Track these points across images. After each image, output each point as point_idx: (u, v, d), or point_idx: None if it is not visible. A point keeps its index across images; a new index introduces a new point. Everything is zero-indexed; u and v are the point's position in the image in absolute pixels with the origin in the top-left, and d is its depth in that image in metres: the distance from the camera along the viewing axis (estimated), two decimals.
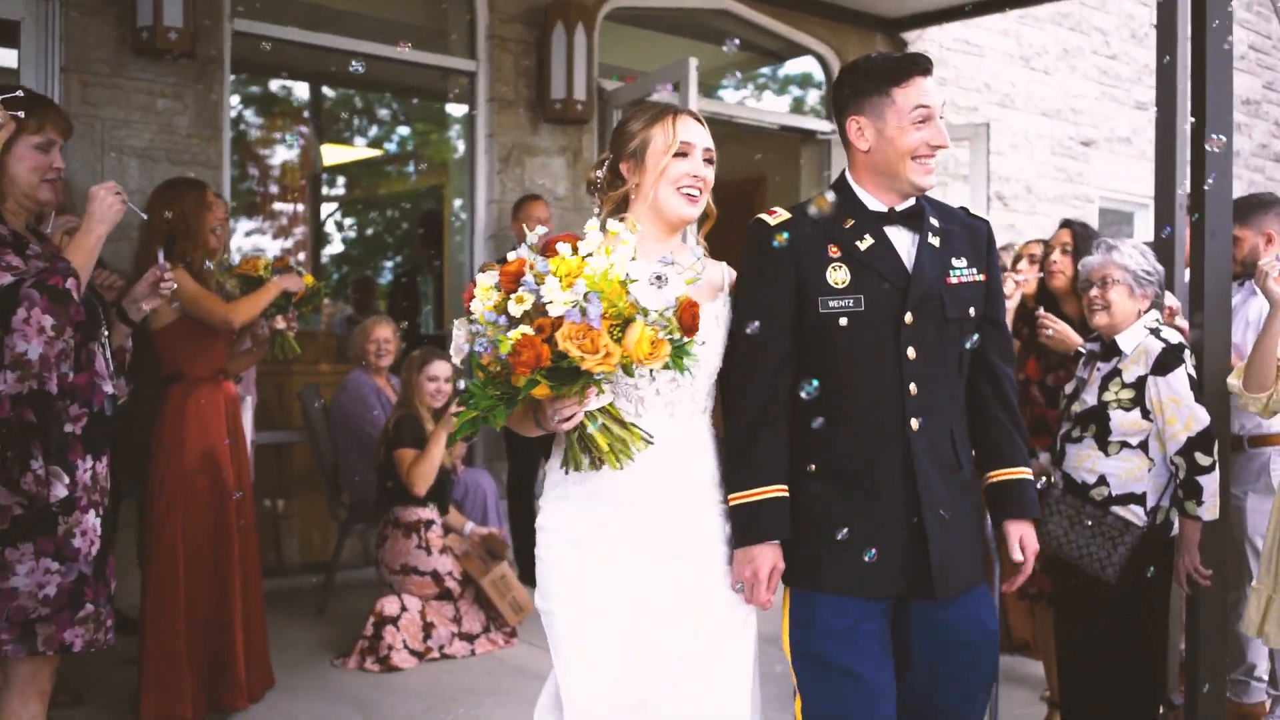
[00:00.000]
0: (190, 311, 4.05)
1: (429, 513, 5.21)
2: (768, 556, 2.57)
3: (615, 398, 2.40)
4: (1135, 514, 3.48)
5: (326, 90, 7.33)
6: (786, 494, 2.60)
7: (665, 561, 2.54)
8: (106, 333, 2.89)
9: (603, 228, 2.40)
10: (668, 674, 2.52)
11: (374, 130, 7.82)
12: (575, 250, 2.29)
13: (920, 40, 8.86)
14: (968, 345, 2.69)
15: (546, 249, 2.34)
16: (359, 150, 7.88)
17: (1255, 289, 3.91)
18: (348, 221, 7.90)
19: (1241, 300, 4.20)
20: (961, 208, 2.88)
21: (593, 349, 2.19)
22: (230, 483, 4.16)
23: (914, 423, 2.60)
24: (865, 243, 2.63)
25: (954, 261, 2.69)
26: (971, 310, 2.69)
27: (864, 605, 2.61)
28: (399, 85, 7.48)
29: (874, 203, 2.69)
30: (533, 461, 5.91)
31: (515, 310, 2.24)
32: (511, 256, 2.33)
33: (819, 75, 8.67)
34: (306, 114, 7.19)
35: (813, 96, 8.84)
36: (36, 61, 5.39)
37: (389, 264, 8.01)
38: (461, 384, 2.42)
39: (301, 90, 7.13)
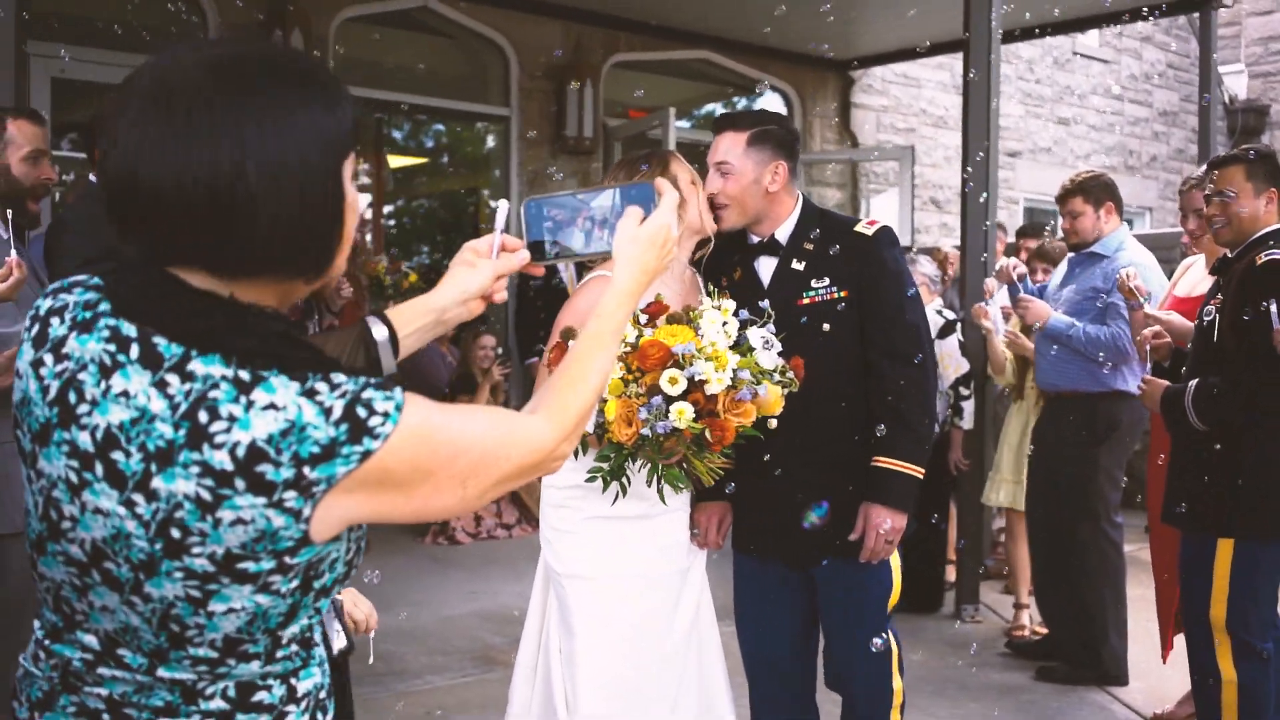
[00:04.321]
0: None
1: None
2: (715, 509, 3.13)
3: None
4: None
5: (399, 133, 9.56)
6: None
7: (663, 533, 2.95)
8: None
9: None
10: (673, 639, 2.93)
11: (432, 156, 10.02)
12: (674, 320, 2.65)
13: (865, 75, 10.97)
14: (829, 352, 2.99)
15: (651, 320, 2.68)
16: (417, 165, 10.09)
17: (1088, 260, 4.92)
18: (411, 227, 10.13)
19: (1076, 269, 5.02)
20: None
21: (744, 415, 2.58)
22: None
23: (772, 423, 2.85)
24: (738, 273, 3.13)
25: (813, 283, 3.05)
26: (825, 325, 3.02)
27: (775, 565, 3.19)
28: (454, 122, 9.71)
29: (750, 237, 3.16)
30: None
31: (672, 390, 2.52)
32: (630, 334, 2.61)
33: (783, 108, 10.80)
34: (380, 147, 9.41)
35: None
36: None
37: (437, 256, 10.19)
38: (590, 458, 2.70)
39: (379, 129, 9.35)
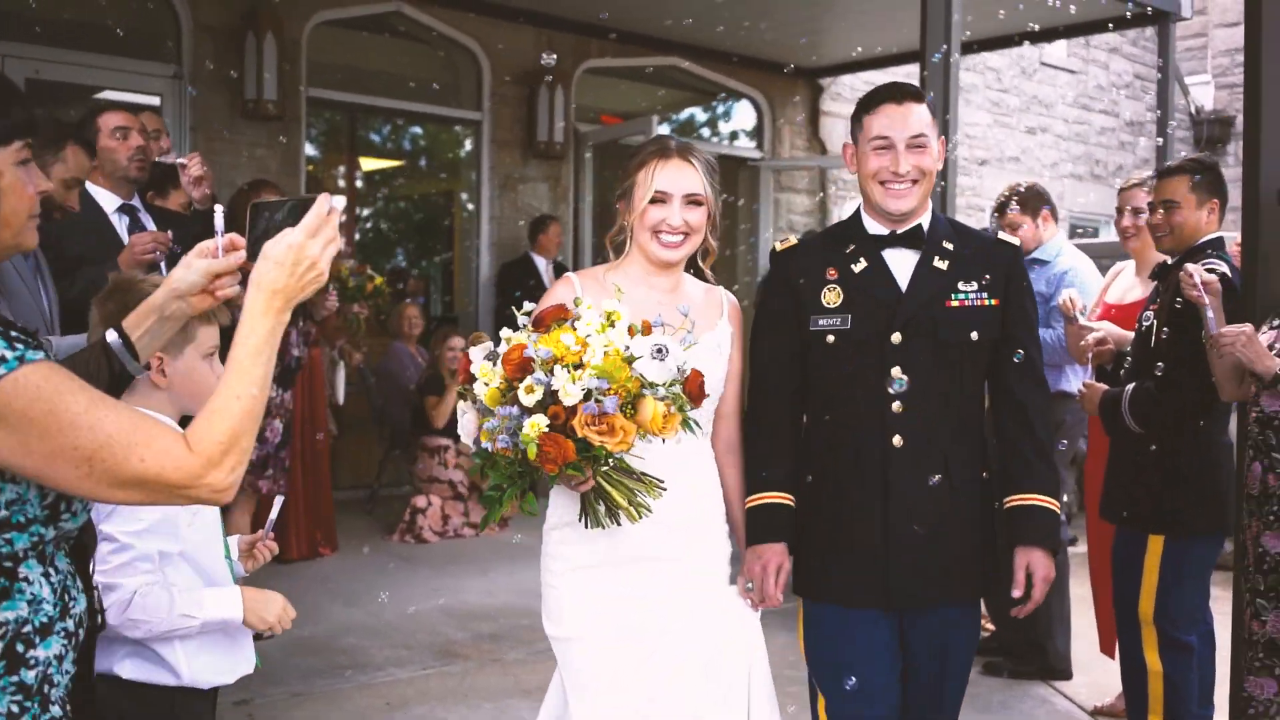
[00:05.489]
0: None
1: (446, 441, 7.54)
2: (774, 553, 2.66)
3: None
4: None
5: (373, 136, 9.66)
6: (788, 500, 2.70)
7: (677, 592, 2.60)
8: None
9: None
10: (677, 690, 2.57)
11: (405, 159, 10.11)
12: (564, 321, 2.32)
13: (835, 84, 11.13)
14: (969, 367, 2.70)
15: (538, 323, 2.36)
16: (391, 168, 10.18)
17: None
18: (384, 230, 10.21)
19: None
20: (985, 229, 2.94)
21: (610, 432, 2.21)
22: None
23: (896, 440, 2.63)
24: (860, 265, 2.71)
25: (960, 285, 2.69)
26: (974, 334, 2.68)
27: (863, 613, 2.70)
28: (426, 125, 9.80)
29: (875, 227, 2.76)
30: None
31: (527, 400, 2.22)
32: (506, 334, 2.33)
33: (751, 113, 10.94)
34: (353, 152, 9.49)
35: (747, 125, 11.10)
36: (172, 126, 7.69)
37: (411, 259, 10.27)
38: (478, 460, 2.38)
39: (353, 132, 9.43)
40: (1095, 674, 4.91)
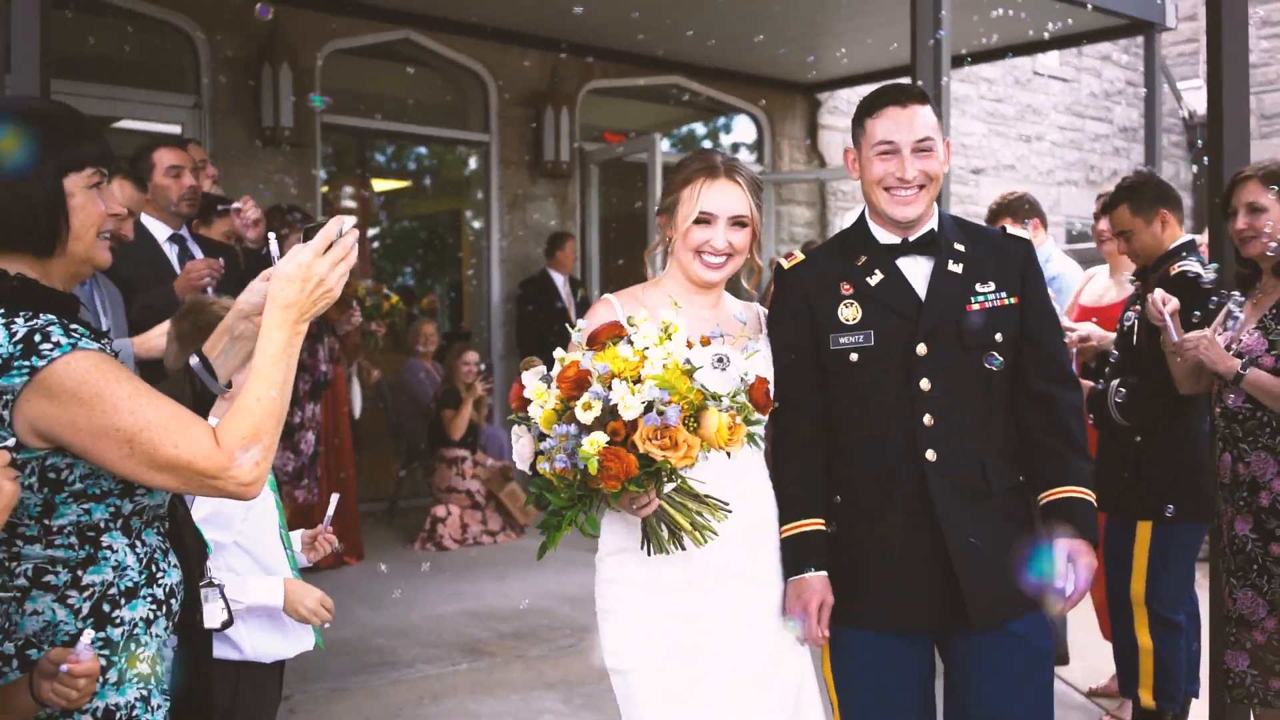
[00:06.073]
0: None
1: (463, 452, 7.79)
2: (815, 589, 2.52)
3: None
4: None
5: (385, 159, 9.96)
6: (821, 525, 2.57)
7: (734, 605, 2.49)
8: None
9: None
10: (733, 706, 2.47)
11: (416, 180, 10.40)
12: (619, 338, 2.25)
13: (832, 98, 11.39)
14: (993, 368, 2.59)
15: (593, 341, 2.28)
16: (402, 190, 10.47)
17: None
18: (396, 248, 10.50)
19: None
20: (1000, 228, 2.80)
21: (673, 446, 2.12)
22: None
23: (930, 454, 2.53)
24: (875, 278, 2.60)
25: (978, 287, 2.60)
26: (998, 336, 2.58)
27: (896, 638, 2.59)
28: (436, 148, 10.09)
29: (885, 236, 2.64)
30: None
31: (585, 418, 2.14)
32: (560, 355, 2.25)
33: (751, 128, 11.21)
34: (366, 174, 9.78)
35: (747, 140, 11.36)
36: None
37: (422, 277, 10.56)
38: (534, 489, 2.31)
39: (365, 156, 9.72)
40: (1091, 659, 5.14)
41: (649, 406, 2.13)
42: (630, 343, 2.22)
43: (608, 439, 2.13)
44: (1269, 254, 3.42)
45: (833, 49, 9.72)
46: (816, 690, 2.63)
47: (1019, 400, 2.64)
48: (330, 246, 1.89)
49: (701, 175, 2.53)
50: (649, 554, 2.33)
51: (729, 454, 2.25)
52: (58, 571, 1.86)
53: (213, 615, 2.27)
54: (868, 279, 2.61)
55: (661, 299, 2.52)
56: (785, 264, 2.73)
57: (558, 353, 2.25)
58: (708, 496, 2.30)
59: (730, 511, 2.33)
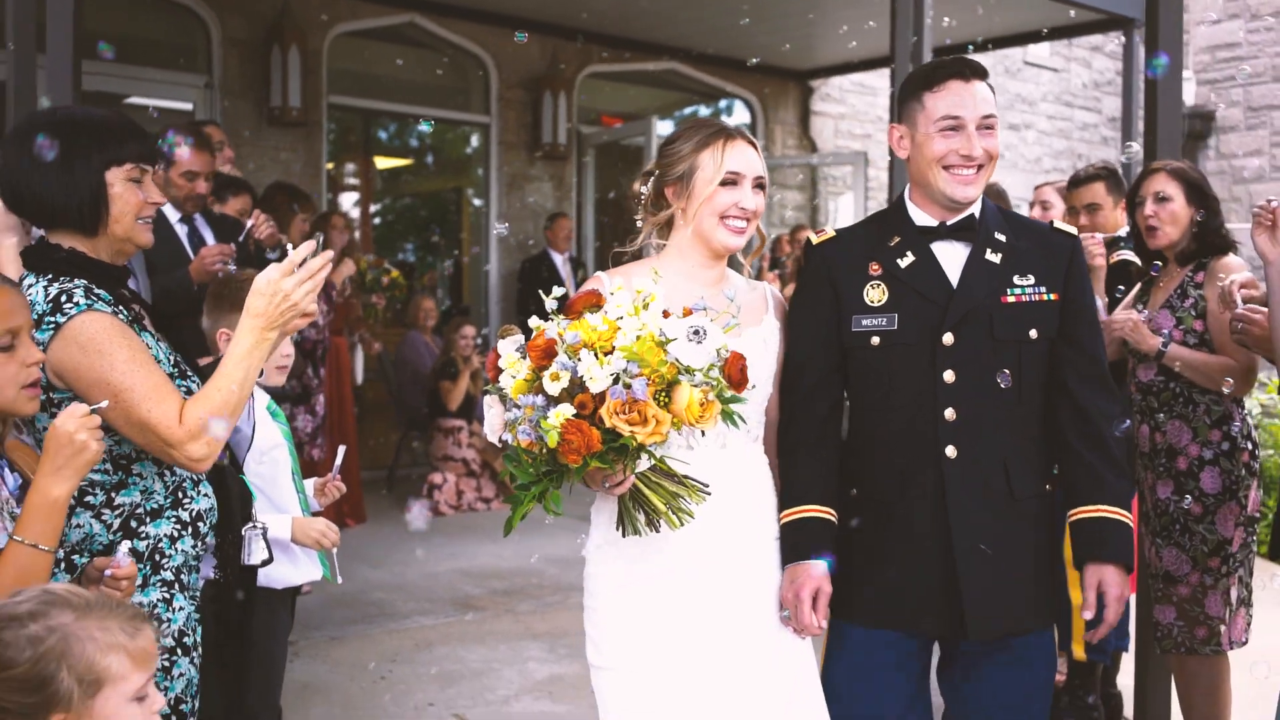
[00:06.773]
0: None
1: (460, 422, 8.14)
2: (810, 576, 2.39)
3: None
4: None
5: (383, 135, 10.27)
6: (826, 514, 2.45)
7: (724, 604, 2.38)
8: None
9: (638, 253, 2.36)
10: (725, 712, 2.36)
11: (416, 158, 10.72)
12: (598, 308, 2.14)
13: (824, 85, 11.69)
14: (1029, 368, 2.44)
15: (568, 310, 2.19)
16: (404, 168, 10.79)
17: None
18: (397, 226, 10.82)
19: None
20: (1049, 222, 2.64)
21: (641, 421, 2.02)
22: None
23: (950, 450, 2.41)
24: (906, 260, 2.48)
25: (1015, 279, 2.46)
26: (1033, 332, 2.44)
27: (896, 641, 2.48)
28: (438, 128, 10.42)
29: (922, 218, 2.51)
30: None
31: (552, 389, 2.06)
32: (535, 323, 2.17)
33: (745, 114, 11.51)
34: (370, 152, 10.11)
35: (741, 124, 11.64)
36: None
37: (423, 253, 10.87)
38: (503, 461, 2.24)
39: (369, 135, 10.04)
40: None
41: (616, 379, 2.04)
42: (604, 312, 2.14)
43: (574, 412, 2.04)
44: (1167, 244, 3.74)
45: (825, 37, 10.01)
46: (817, 684, 2.52)
47: (1054, 405, 2.49)
48: (303, 263, 2.16)
49: (719, 138, 2.45)
50: (623, 535, 2.24)
51: (703, 431, 2.15)
52: (95, 493, 2.21)
53: (256, 553, 2.63)
54: (898, 260, 2.48)
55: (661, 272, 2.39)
56: (814, 239, 2.62)
57: (533, 321, 2.19)
58: (686, 477, 2.20)
59: (709, 494, 2.21)
